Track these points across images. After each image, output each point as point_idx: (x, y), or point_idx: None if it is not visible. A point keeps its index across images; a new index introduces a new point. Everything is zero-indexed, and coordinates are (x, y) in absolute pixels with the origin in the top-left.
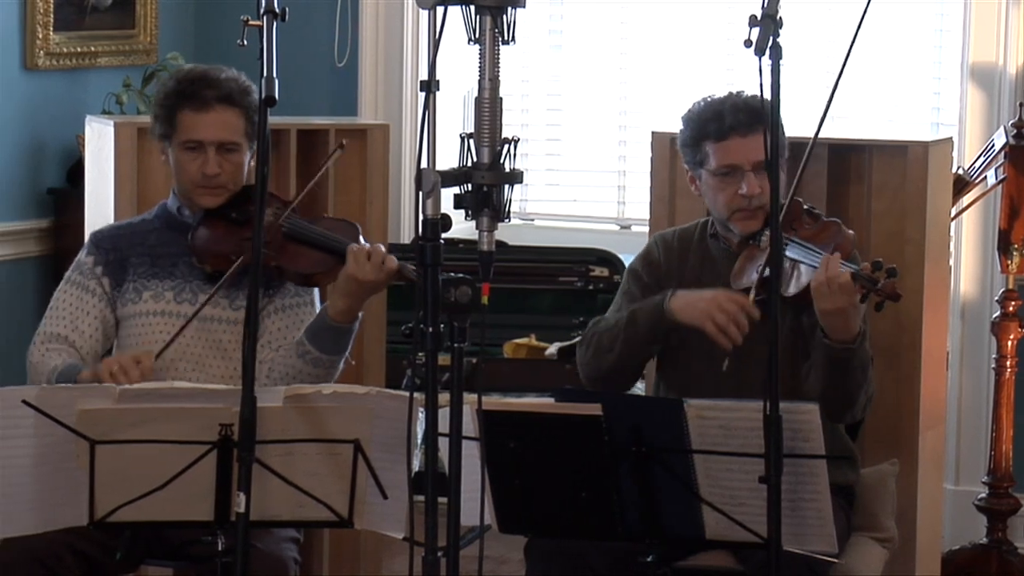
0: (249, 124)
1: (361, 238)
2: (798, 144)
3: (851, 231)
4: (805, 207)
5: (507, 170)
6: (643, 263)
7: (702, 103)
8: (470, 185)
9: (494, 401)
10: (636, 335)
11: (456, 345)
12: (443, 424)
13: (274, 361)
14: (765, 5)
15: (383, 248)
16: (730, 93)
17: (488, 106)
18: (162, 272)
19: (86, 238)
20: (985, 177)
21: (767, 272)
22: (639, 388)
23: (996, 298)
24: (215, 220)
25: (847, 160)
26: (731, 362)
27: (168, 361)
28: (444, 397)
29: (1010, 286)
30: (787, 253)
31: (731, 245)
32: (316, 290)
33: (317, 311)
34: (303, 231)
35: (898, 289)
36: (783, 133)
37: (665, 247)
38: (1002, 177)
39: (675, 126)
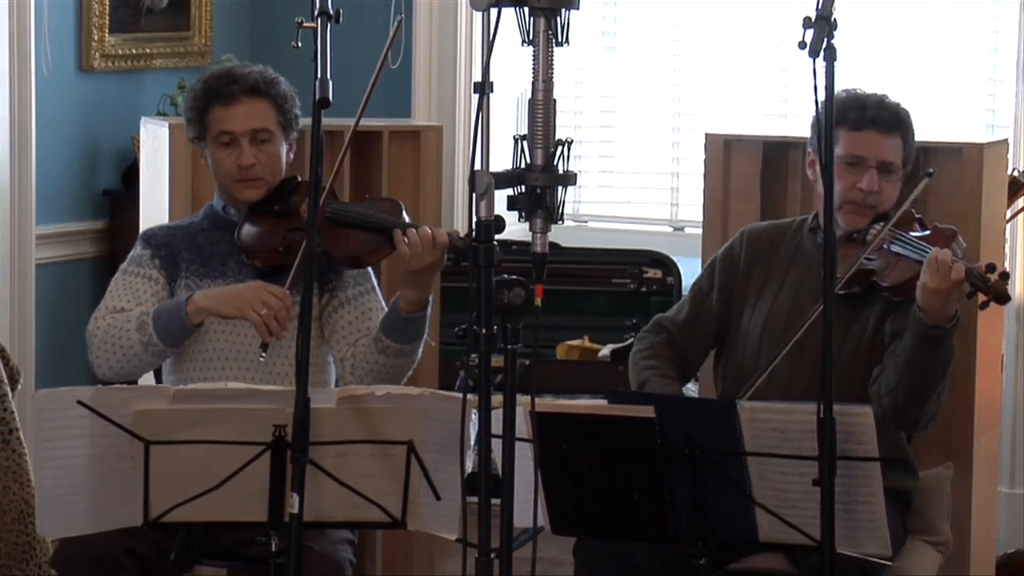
0: (280, 114)
1: (405, 214)
2: None
3: (963, 242)
4: (917, 216)
5: (560, 172)
6: (723, 255)
7: (848, 91)
8: (524, 187)
9: (547, 403)
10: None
11: (509, 347)
12: (496, 426)
13: (355, 358)
14: (819, 6)
15: (428, 228)
16: (876, 93)
17: (542, 108)
18: (213, 271)
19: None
20: None
21: (865, 265)
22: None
23: None
24: (259, 215)
25: None
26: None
27: (229, 360)
28: (497, 399)
29: None
30: (892, 248)
31: None
32: (373, 278)
33: (379, 297)
34: (346, 213)
35: (1008, 290)
36: (914, 138)
37: (751, 240)
38: None
39: (729, 128)
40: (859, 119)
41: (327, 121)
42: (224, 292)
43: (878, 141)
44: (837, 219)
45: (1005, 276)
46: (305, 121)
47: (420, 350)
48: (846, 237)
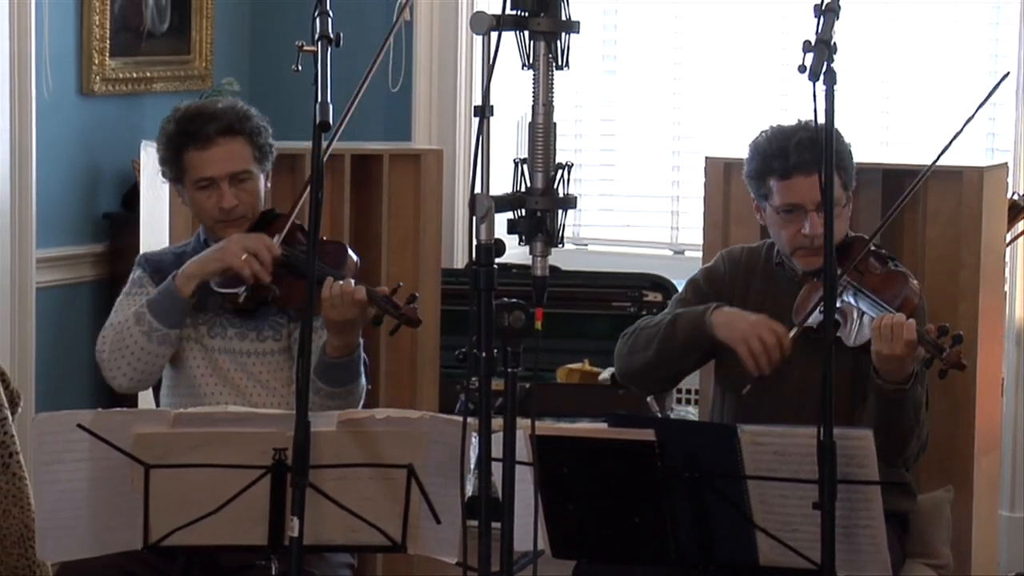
0: (255, 149)
1: (351, 254)
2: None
3: (916, 282)
4: (872, 247)
5: (561, 195)
6: (706, 275)
7: (769, 134)
8: (524, 210)
9: (547, 426)
10: (673, 339)
11: (510, 370)
12: (496, 449)
13: None
14: (819, 30)
15: (352, 282)
16: (799, 124)
17: (542, 131)
18: (198, 303)
19: None
20: None
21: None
22: (692, 413)
23: None
24: None
25: (902, 185)
26: (752, 390)
27: (215, 393)
28: (497, 422)
29: None
30: (852, 301)
31: (796, 275)
32: None
33: None
34: (295, 262)
35: (963, 359)
36: (852, 161)
37: (732, 263)
38: None
39: (729, 151)
40: (784, 167)
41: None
42: (202, 256)
43: (809, 184)
44: (792, 263)
45: (959, 339)
46: (306, 145)
47: (360, 394)
48: (811, 273)
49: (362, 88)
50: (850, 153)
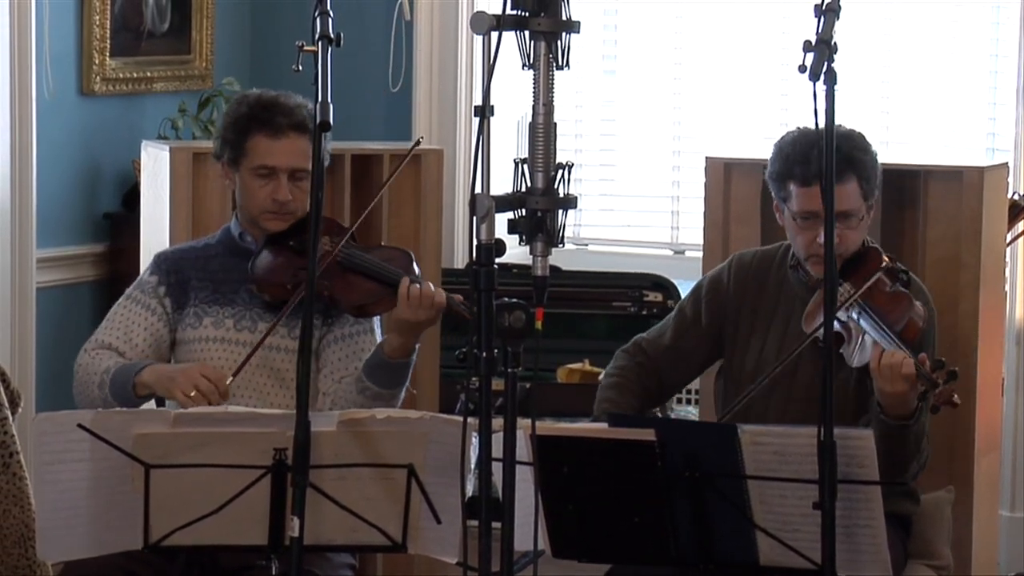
0: None
1: (415, 265)
2: None
3: (921, 305)
4: (885, 263)
5: (561, 195)
6: (709, 285)
7: (795, 136)
8: (524, 210)
9: (548, 426)
10: None
11: (510, 370)
12: (497, 449)
13: (336, 394)
14: (819, 30)
15: (432, 285)
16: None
17: (542, 131)
18: (223, 299)
19: (141, 263)
20: None
21: (837, 326)
22: (692, 413)
23: None
24: (275, 248)
25: (902, 185)
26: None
27: (231, 390)
28: (498, 422)
29: None
30: (856, 319)
31: (809, 279)
32: (376, 318)
33: (377, 339)
34: (357, 261)
35: (955, 397)
36: (878, 169)
37: (740, 271)
38: None
39: (729, 151)
40: (804, 174)
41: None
42: (163, 371)
43: None
44: (807, 267)
45: (953, 375)
46: None
47: (401, 397)
48: (820, 282)
49: None
50: (875, 162)
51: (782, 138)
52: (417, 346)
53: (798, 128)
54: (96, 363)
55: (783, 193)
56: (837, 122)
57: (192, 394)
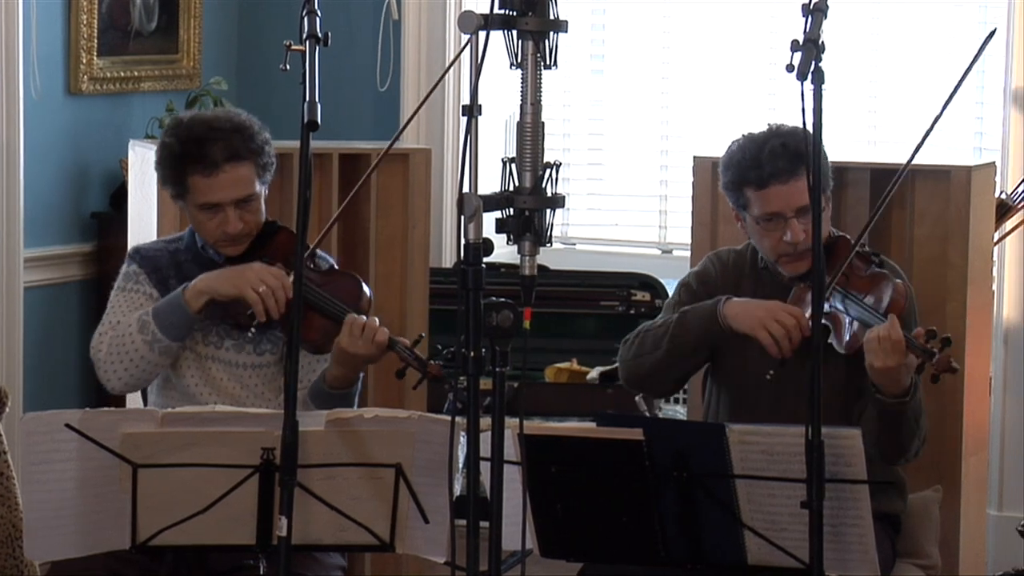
0: (259, 168)
1: (365, 287)
2: (841, 169)
3: (900, 281)
4: (856, 248)
5: (549, 194)
6: (697, 277)
7: (741, 144)
8: (512, 209)
9: (536, 425)
10: (684, 336)
11: (498, 369)
12: (485, 448)
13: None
14: (807, 30)
15: (377, 321)
16: (769, 130)
17: (530, 130)
18: None
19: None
20: None
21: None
22: (680, 412)
23: None
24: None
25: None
26: (776, 373)
27: (203, 394)
28: (486, 421)
29: None
30: (840, 307)
31: (783, 279)
32: None
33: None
34: (311, 298)
35: (953, 362)
36: (827, 162)
37: (721, 265)
38: None
39: (717, 151)
40: (759, 177)
41: (315, 144)
42: (221, 272)
43: (786, 192)
44: (779, 268)
45: (947, 342)
46: (294, 144)
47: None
48: (798, 278)
49: None
50: (825, 155)
51: (728, 148)
52: (361, 377)
53: (741, 135)
54: (121, 328)
55: (741, 200)
56: (781, 121)
57: (261, 289)
